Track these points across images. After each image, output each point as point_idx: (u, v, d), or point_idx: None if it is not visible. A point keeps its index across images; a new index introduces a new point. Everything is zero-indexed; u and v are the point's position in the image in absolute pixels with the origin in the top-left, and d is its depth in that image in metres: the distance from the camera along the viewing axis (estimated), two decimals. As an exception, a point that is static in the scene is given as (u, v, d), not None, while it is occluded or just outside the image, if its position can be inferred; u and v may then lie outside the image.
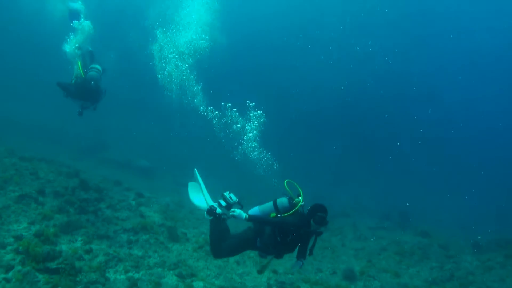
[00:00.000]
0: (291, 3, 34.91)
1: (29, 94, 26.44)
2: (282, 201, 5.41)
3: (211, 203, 6.07)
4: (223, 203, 5.76)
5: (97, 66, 10.13)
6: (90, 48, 11.26)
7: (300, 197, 5.28)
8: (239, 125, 9.32)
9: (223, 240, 5.49)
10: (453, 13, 31.96)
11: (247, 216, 5.19)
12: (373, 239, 15.60)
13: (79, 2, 12.96)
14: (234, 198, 5.74)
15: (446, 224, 18.70)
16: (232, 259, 10.78)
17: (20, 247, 7.81)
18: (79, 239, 9.26)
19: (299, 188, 5.36)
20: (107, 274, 8.24)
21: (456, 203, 24.58)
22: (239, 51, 35.81)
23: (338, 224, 17.31)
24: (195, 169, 6.99)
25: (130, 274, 8.60)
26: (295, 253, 5.56)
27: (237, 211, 5.24)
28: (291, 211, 5.19)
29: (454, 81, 39.43)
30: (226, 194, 5.80)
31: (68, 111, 10.93)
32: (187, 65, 13.09)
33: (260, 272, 6.26)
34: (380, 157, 34.45)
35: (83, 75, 9.92)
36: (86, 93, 9.84)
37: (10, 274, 7.06)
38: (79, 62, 10.25)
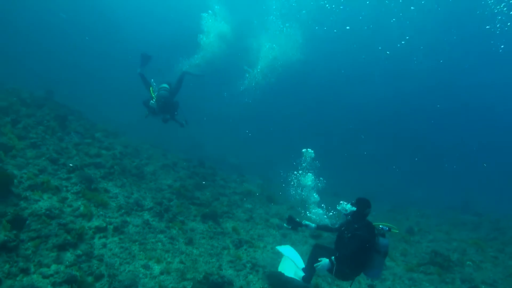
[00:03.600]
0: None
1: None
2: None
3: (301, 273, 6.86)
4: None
5: (165, 85, 11.52)
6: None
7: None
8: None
9: None
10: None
11: (315, 226, 6.19)
12: (434, 217, 17.10)
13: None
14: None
15: (504, 210, 19.17)
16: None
17: (174, 190, 11.14)
18: (207, 193, 12.43)
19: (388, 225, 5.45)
20: (233, 211, 11.28)
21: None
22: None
23: (405, 209, 18.91)
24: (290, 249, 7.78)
25: (247, 214, 11.56)
26: None
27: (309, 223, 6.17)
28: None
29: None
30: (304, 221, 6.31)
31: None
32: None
33: None
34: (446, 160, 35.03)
35: (154, 97, 11.11)
36: (161, 109, 11.18)
37: (171, 203, 10.32)
38: (151, 88, 11.41)
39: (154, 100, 10.81)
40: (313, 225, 6.10)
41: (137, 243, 7.57)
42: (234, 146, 31.24)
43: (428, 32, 31.17)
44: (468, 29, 29.62)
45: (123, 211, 8.52)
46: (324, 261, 5.32)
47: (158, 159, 14.35)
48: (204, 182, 13.27)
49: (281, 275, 7.74)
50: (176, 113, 11.42)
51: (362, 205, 5.47)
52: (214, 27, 17.29)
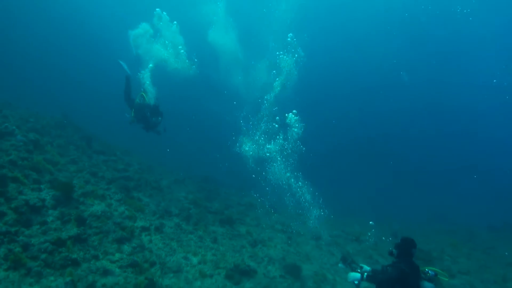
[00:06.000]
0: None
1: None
2: None
3: None
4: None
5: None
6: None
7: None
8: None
9: None
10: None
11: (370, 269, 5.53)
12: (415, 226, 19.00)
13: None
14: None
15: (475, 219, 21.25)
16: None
17: (191, 201, 12.59)
18: (216, 204, 13.89)
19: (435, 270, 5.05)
20: (243, 218, 12.78)
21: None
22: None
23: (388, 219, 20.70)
24: None
25: (255, 221, 13.08)
26: None
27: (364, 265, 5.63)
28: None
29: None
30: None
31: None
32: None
33: None
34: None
35: (150, 102, 10.83)
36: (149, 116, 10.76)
37: (191, 211, 11.77)
38: (143, 93, 10.97)
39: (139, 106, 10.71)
40: (369, 268, 5.67)
41: (174, 240, 9.03)
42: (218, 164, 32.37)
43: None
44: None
45: (157, 215, 9.98)
46: (356, 274, 5.28)
47: (169, 175, 15.79)
48: (214, 196, 14.74)
49: (294, 266, 9.32)
50: (160, 119, 11.01)
51: (407, 244, 5.13)
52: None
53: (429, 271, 4.90)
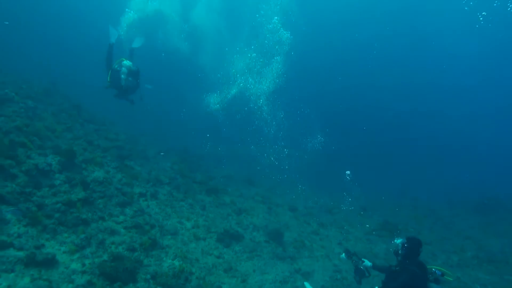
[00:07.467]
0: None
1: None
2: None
3: None
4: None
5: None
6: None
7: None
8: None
9: None
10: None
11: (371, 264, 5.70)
12: (379, 201, 20.57)
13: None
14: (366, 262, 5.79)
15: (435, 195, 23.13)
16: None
17: (177, 171, 13.33)
18: (199, 175, 14.69)
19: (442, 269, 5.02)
20: (226, 189, 13.68)
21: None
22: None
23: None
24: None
25: (237, 192, 14.00)
26: None
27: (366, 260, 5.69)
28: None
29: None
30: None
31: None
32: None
33: None
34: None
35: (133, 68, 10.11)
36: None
37: (178, 181, 12.53)
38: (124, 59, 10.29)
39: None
40: (370, 263, 5.78)
41: (168, 207, 9.85)
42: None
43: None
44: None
45: (151, 183, 10.71)
46: None
47: (152, 146, 16.41)
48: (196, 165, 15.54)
49: (276, 233, 10.36)
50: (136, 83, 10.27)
51: (414, 243, 5.07)
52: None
53: (436, 271, 4.91)
